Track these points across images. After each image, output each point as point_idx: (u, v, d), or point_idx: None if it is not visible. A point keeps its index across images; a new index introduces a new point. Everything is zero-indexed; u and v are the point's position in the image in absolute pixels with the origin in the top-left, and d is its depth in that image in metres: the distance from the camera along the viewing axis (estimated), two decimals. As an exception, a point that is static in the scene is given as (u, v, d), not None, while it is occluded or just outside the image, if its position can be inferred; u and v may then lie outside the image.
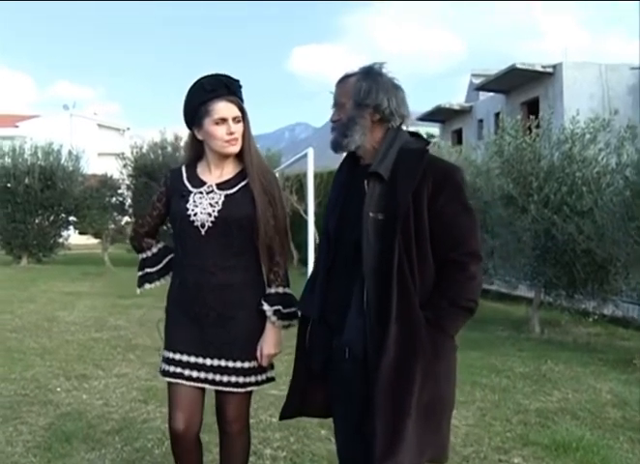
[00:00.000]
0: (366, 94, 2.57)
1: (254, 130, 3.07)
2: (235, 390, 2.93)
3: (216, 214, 2.89)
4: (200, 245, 2.92)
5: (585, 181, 8.11)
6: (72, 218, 21.31)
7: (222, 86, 2.89)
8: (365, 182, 2.56)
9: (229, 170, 3.00)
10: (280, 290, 2.97)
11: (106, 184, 21.14)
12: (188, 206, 2.93)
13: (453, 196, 2.52)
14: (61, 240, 21.31)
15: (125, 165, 21.32)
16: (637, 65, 22.97)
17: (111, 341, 7.96)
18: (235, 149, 2.94)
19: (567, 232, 8.10)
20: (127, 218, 22.31)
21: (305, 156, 10.41)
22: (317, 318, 2.73)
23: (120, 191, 21.47)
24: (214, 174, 3.00)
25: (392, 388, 2.41)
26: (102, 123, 49.86)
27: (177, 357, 2.96)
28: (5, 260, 20.44)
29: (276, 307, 2.92)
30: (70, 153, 21.32)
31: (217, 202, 2.91)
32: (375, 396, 2.42)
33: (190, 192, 2.97)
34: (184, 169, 3.07)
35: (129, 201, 21.42)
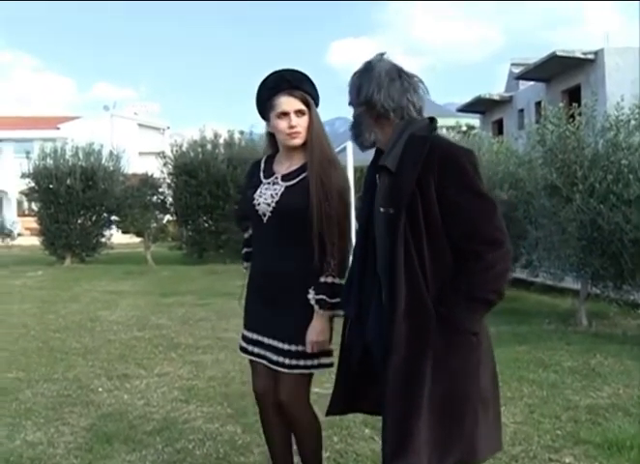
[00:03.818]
0: (357, 92, 2.53)
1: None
2: (282, 370, 3.07)
3: (274, 204, 3.05)
4: (263, 233, 3.14)
5: (632, 169, 7.87)
6: (113, 218, 21.51)
7: (284, 81, 3.05)
8: (377, 176, 2.50)
9: (296, 161, 3.13)
10: (329, 280, 3.00)
11: (147, 183, 21.27)
12: (255, 196, 3.12)
13: (460, 182, 2.38)
14: (103, 239, 21.53)
15: (165, 164, 21.41)
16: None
17: (153, 340, 7.95)
18: (297, 142, 3.07)
19: (613, 222, 7.88)
20: (168, 217, 22.45)
21: (344, 149, 10.29)
22: (354, 315, 2.71)
23: (161, 190, 21.57)
24: (284, 165, 3.16)
25: (399, 387, 2.35)
26: (143, 122, 50.35)
27: (246, 333, 3.25)
28: (49, 260, 20.71)
29: (319, 297, 2.99)
30: (110, 153, 21.52)
31: (277, 193, 3.07)
32: (385, 396, 2.38)
33: (261, 183, 3.16)
34: (263, 161, 3.28)
35: (170, 199, 21.51)
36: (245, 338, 3.25)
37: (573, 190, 8.22)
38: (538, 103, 26.54)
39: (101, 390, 5.70)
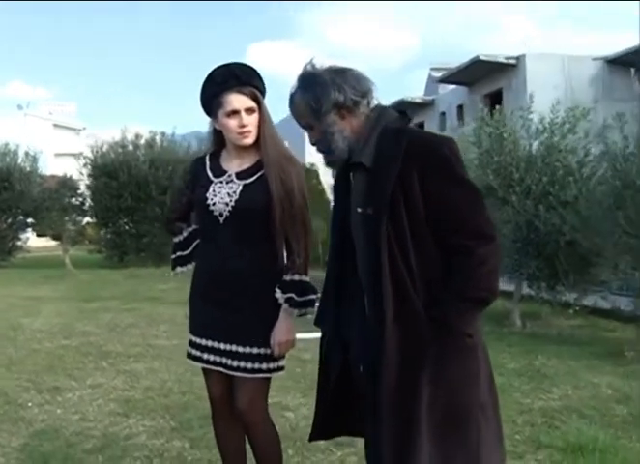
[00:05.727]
0: (318, 102, 2.30)
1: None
2: (243, 375, 2.89)
3: (233, 203, 2.88)
4: (219, 233, 2.93)
5: (567, 170, 7.94)
6: (30, 221, 20.76)
7: (233, 77, 2.88)
8: (351, 175, 2.31)
9: (249, 159, 2.96)
10: (296, 278, 2.91)
11: (65, 184, 20.62)
12: (207, 195, 2.93)
13: (442, 172, 2.20)
14: (19, 243, 20.75)
15: (85, 165, 20.78)
16: (599, 56, 23.16)
17: (81, 349, 7.54)
18: (248, 141, 2.92)
19: (550, 223, 7.93)
20: (87, 219, 21.82)
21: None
22: (331, 332, 2.49)
23: (80, 192, 20.94)
24: (234, 163, 2.99)
25: (395, 403, 2.15)
26: (58, 122, 48.99)
27: (197, 340, 3.01)
28: (-39, 265, 19.79)
29: (288, 295, 2.88)
30: (26, 154, 20.78)
31: (234, 192, 2.90)
32: (379, 414, 2.17)
33: (211, 182, 2.96)
34: (207, 158, 3.08)
35: (89, 201, 20.90)
36: (195, 345, 3.02)
37: (510, 192, 8.24)
38: (460, 107, 26.97)
39: (30, 404, 5.30)
